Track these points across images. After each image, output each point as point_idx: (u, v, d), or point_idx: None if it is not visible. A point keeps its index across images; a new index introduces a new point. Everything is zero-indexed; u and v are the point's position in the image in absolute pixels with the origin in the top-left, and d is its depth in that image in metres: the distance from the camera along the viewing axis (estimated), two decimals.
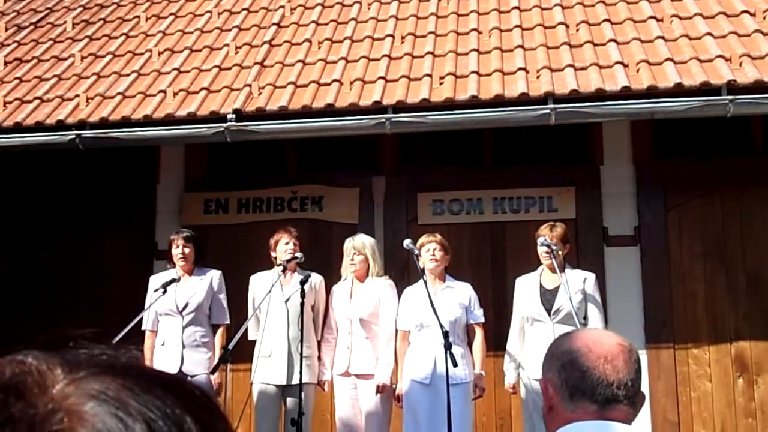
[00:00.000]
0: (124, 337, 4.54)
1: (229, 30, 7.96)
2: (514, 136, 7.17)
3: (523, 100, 6.15)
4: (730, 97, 5.86)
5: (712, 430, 6.74)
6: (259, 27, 7.93)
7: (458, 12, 7.53)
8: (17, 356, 0.63)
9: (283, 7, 8.18)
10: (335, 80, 6.69)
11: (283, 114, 6.49)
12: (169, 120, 6.62)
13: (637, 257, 6.99)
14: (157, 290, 5.76)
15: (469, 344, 5.82)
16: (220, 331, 6.12)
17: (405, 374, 5.77)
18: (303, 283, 5.69)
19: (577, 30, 6.94)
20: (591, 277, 5.86)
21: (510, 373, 5.90)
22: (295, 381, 5.70)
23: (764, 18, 6.70)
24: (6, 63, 7.90)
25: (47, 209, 7.89)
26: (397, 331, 5.87)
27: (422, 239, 5.93)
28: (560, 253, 5.76)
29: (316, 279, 6.10)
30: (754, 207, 6.93)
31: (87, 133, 6.67)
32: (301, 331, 5.73)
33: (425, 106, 6.29)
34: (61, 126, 6.73)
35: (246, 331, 5.61)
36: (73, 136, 6.64)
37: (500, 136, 7.30)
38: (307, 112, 6.46)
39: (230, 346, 5.15)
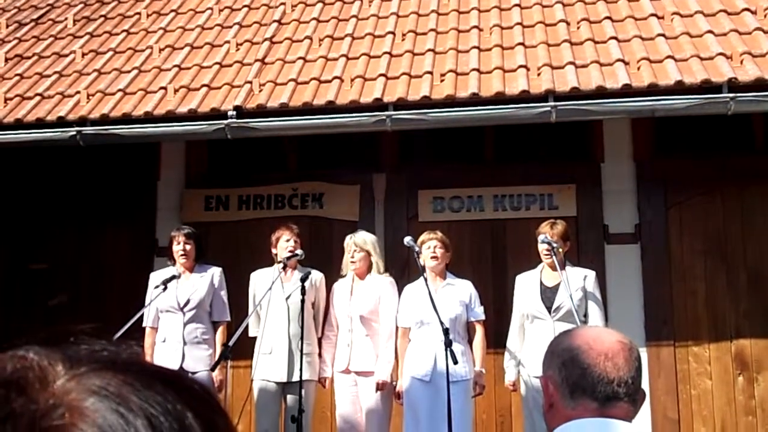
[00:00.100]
0: (125, 333, 4.55)
1: (230, 27, 7.95)
2: (515, 133, 7.17)
3: (524, 97, 6.14)
4: (730, 94, 5.86)
5: (712, 428, 6.74)
6: (260, 24, 7.93)
7: (459, 9, 7.53)
8: (18, 352, 0.63)
9: (284, 4, 8.17)
10: (336, 77, 6.69)
11: (284, 111, 6.49)
12: (170, 117, 6.62)
13: (638, 255, 6.99)
14: (157, 287, 5.75)
15: (470, 342, 5.83)
16: (220, 328, 6.12)
17: (405, 371, 5.78)
18: (303, 280, 5.69)
19: (578, 27, 6.94)
20: (591, 274, 5.86)
21: (510, 370, 5.90)
22: (296, 378, 5.70)
23: (765, 16, 6.69)
24: (7, 59, 7.90)
25: (48, 206, 7.89)
26: (397, 328, 5.87)
27: (423, 236, 5.93)
28: (561, 250, 5.76)
29: (317, 276, 6.10)
30: (754, 205, 6.93)
31: (88, 129, 6.67)
32: (302, 328, 5.73)
33: (426, 103, 6.28)
34: (61, 122, 6.73)
35: (246, 328, 5.61)
36: (74, 133, 6.64)
37: (501, 134, 7.30)
38: (307, 109, 6.46)
39: (230, 343, 5.16)
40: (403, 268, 6.80)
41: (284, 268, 5.97)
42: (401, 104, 6.31)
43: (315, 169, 7.57)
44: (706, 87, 5.94)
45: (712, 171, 6.96)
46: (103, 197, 7.81)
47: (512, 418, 6.89)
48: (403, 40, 7.20)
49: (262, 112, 6.51)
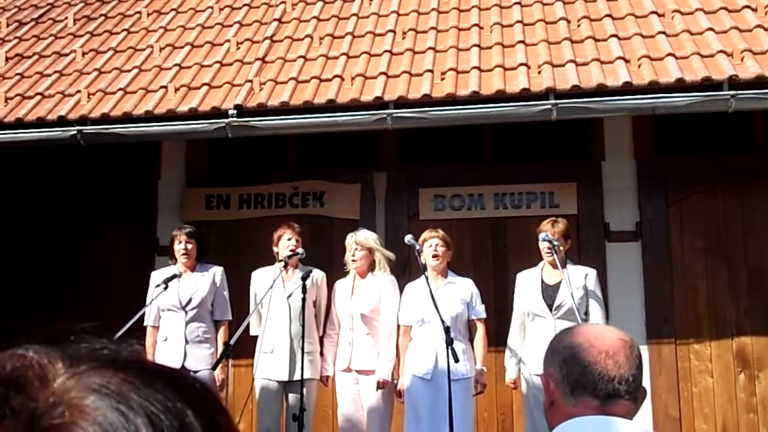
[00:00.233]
0: (126, 332, 4.55)
1: (231, 26, 7.95)
2: (516, 131, 7.17)
3: (525, 95, 6.14)
4: (731, 92, 5.85)
5: (713, 426, 6.74)
6: (261, 23, 7.93)
7: (459, 7, 7.53)
8: (18, 350, 0.63)
9: (284, 2, 8.17)
10: (336, 76, 6.69)
11: (285, 109, 6.49)
12: (171, 116, 6.63)
13: (639, 253, 6.99)
14: (158, 286, 5.76)
15: (471, 340, 5.83)
16: (222, 327, 6.12)
17: (406, 370, 5.78)
18: (304, 279, 5.69)
19: (579, 25, 6.93)
20: (592, 273, 5.86)
21: (511, 368, 5.90)
22: (297, 377, 5.70)
23: (765, 13, 6.69)
24: (7, 59, 7.90)
25: (48, 205, 7.89)
26: (398, 326, 5.87)
27: (425, 234, 5.93)
28: (561, 248, 5.76)
29: (318, 275, 6.10)
30: (755, 202, 6.93)
31: (88, 128, 6.67)
32: (303, 327, 5.73)
33: (426, 101, 6.28)
34: (62, 122, 6.73)
35: (248, 326, 5.61)
36: (75, 132, 6.64)
37: (501, 132, 7.30)
38: (308, 108, 6.46)
39: (232, 342, 5.16)
40: (403, 267, 6.79)
41: (285, 266, 5.97)
42: (402, 102, 6.31)
43: (316, 168, 7.57)
44: (707, 84, 5.94)
45: (712, 169, 6.95)
46: (103, 196, 7.81)
47: (513, 417, 6.89)
48: (403, 38, 7.20)
49: (262, 110, 6.51)
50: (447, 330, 5.13)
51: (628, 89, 6.04)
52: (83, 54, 7.80)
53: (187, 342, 5.99)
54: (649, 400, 5.92)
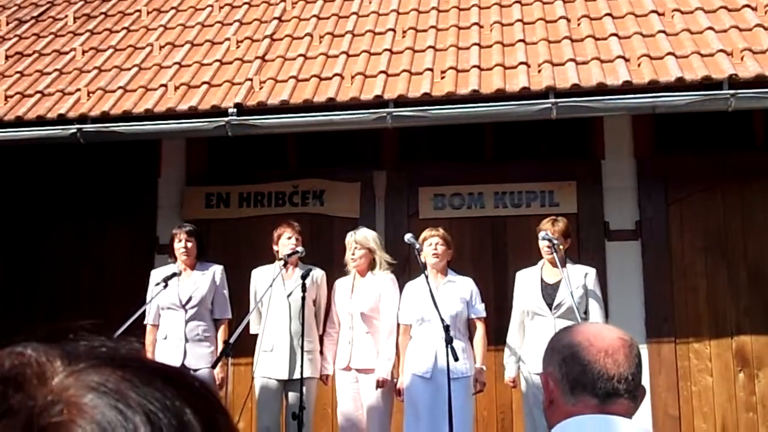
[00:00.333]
0: (126, 331, 4.55)
1: (231, 24, 7.95)
2: (515, 130, 7.16)
3: (525, 94, 6.14)
4: (731, 91, 5.85)
5: (712, 425, 6.74)
6: (261, 21, 7.93)
7: (459, 6, 7.52)
8: (17, 348, 0.62)
9: (284, 1, 8.17)
10: (336, 74, 6.69)
11: (285, 108, 6.49)
12: (171, 114, 6.62)
13: (639, 252, 6.99)
14: (158, 284, 5.76)
15: (471, 339, 5.83)
16: (222, 325, 6.12)
17: (406, 368, 5.78)
18: (304, 277, 5.69)
19: (579, 24, 6.93)
20: (592, 272, 5.86)
21: (510, 366, 5.90)
22: (297, 375, 5.71)
23: (765, 12, 6.69)
24: (7, 57, 7.90)
25: (48, 203, 7.89)
26: (398, 325, 5.87)
27: (425, 233, 5.93)
28: (561, 247, 5.76)
29: (318, 273, 6.10)
30: (755, 201, 6.92)
31: (88, 127, 6.67)
32: (303, 326, 5.73)
33: (426, 100, 6.28)
34: (62, 120, 6.73)
35: (247, 325, 5.61)
36: (75, 130, 6.64)
37: (501, 131, 7.30)
38: (308, 107, 6.46)
39: (231, 340, 5.16)
40: (403, 265, 6.78)
41: (285, 265, 5.97)
42: (402, 101, 6.31)
43: (315, 167, 7.56)
44: (707, 84, 5.94)
45: (712, 168, 6.95)
46: (103, 195, 7.80)
47: (513, 415, 6.89)
48: (403, 37, 7.20)
49: (262, 109, 6.51)
50: (447, 329, 5.14)
51: (628, 88, 6.04)
52: (83, 52, 7.80)
53: (186, 340, 5.99)
54: (648, 399, 5.91)
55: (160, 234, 7.56)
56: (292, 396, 5.83)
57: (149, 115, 6.64)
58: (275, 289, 5.91)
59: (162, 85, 6.93)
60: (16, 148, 7.08)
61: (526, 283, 5.89)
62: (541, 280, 5.83)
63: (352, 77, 6.61)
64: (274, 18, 7.88)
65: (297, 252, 5.99)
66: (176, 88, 6.87)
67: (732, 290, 6.85)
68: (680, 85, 5.96)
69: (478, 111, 6.22)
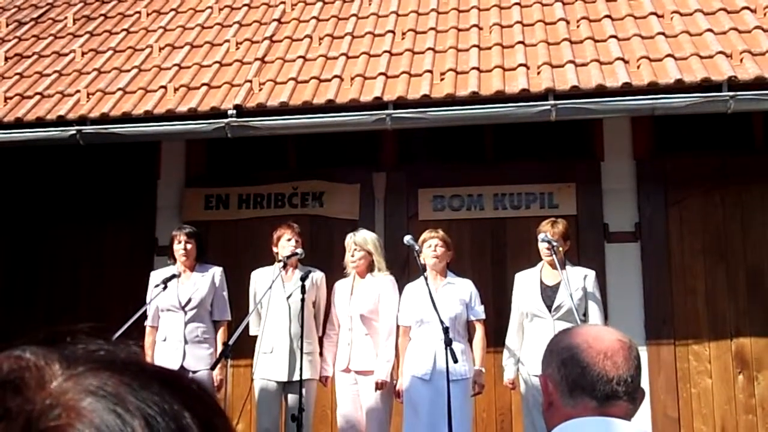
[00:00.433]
0: (125, 333, 4.55)
1: (230, 26, 7.95)
2: (515, 132, 7.16)
3: (524, 96, 6.14)
4: (730, 93, 5.86)
5: (712, 427, 6.74)
6: (260, 23, 7.93)
7: (459, 8, 7.53)
8: (15, 352, 0.63)
9: (284, 2, 8.17)
10: (336, 76, 6.69)
11: (284, 110, 6.49)
12: (170, 116, 6.62)
13: (638, 253, 6.99)
14: (157, 286, 5.76)
15: (470, 340, 5.82)
16: (221, 327, 6.12)
17: (405, 370, 5.78)
18: (303, 279, 5.69)
19: (578, 26, 6.94)
20: (591, 274, 5.86)
21: (509, 368, 5.90)
22: (297, 377, 5.70)
23: (765, 14, 6.69)
24: (7, 58, 7.90)
25: (48, 205, 7.89)
26: (398, 327, 5.87)
27: (425, 235, 5.93)
28: (561, 249, 5.76)
29: (317, 275, 6.09)
30: (754, 203, 6.93)
31: (88, 128, 6.67)
32: (302, 327, 5.73)
33: (426, 102, 6.28)
34: (61, 121, 6.73)
35: (247, 327, 5.60)
36: (74, 132, 6.64)
37: (501, 132, 7.30)
38: (307, 108, 6.46)
39: (230, 342, 5.16)
40: (402, 267, 6.79)
41: (284, 267, 5.96)
42: (401, 103, 6.31)
43: (315, 168, 7.57)
44: (706, 85, 5.95)
45: (711, 170, 6.95)
46: (103, 196, 7.80)
47: (512, 417, 6.89)
48: (403, 38, 7.20)
49: (262, 111, 6.51)
50: (446, 330, 5.13)
51: (627, 90, 6.04)
52: (83, 54, 7.80)
53: (186, 342, 5.99)
54: (647, 401, 5.92)
55: (159, 235, 7.56)
56: (291, 398, 5.83)
57: (149, 117, 6.64)
58: (275, 290, 5.91)
59: (161, 87, 6.94)
60: (15, 150, 7.07)
61: (526, 284, 5.88)
62: (541, 281, 5.82)
63: (352, 79, 6.61)
64: (274, 20, 7.88)
65: (296, 254, 5.98)
66: (176, 89, 6.87)
67: (731, 292, 6.85)
68: (679, 87, 5.96)
69: (478, 113, 6.22)
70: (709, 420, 6.75)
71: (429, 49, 6.91)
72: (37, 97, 7.11)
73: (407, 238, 5.73)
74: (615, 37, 6.62)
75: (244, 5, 8.32)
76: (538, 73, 6.33)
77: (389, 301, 5.88)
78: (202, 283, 6.12)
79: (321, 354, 6.08)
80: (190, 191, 7.67)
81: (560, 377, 1.83)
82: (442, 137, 7.40)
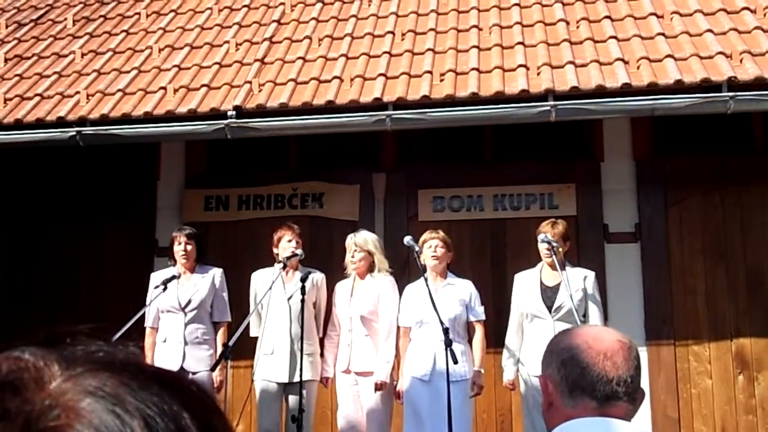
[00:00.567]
0: (125, 334, 4.54)
1: (230, 27, 7.95)
2: (515, 132, 7.17)
3: (524, 96, 6.14)
4: (730, 93, 5.86)
5: (712, 427, 6.74)
6: (260, 24, 7.93)
7: (458, 9, 7.53)
8: (14, 352, 0.63)
9: (283, 4, 8.17)
10: (336, 77, 6.69)
11: (284, 111, 6.49)
12: (170, 117, 6.63)
13: (638, 254, 6.99)
14: (157, 287, 5.75)
15: (470, 341, 5.82)
16: (221, 328, 6.12)
17: (405, 371, 5.77)
18: (303, 280, 5.69)
19: (578, 27, 6.94)
20: (591, 275, 5.86)
21: (508, 369, 5.90)
22: (297, 378, 5.70)
23: (765, 15, 6.69)
24: (6, 60, 7.90)
25: (48, 206, 7.89)
26: (398, 327, 5.87)
27: (425, 235, 5.93)
28: (561, 250, 5.76)
29: (318, 276, 6.09)
30: (754, 204, 6.93)
31: (87, 129, 6.67)
32: (302, 329, 5.73)
33: (425, 102, 6.28)
34: (61, 123, 6.73)
35: (247, 328, 5.60)
36: (74, 133, 6.64)
37: (501, 133, 7.30)
38: (307, 109, 6.46)
39: (230, 343, 5.16)
40: (402, 268, 6.79)
41: (284, 268, 5.96)
42: (401, 104, 6.31)
43: (315, 169, 7.56)
44: (706, 86, 5.95)
45: (711, 170, 6.95)
46: (102, 197, 7.80)
47: (512, 418, 6.89)
48: (402, 39, 7.21)
49: (261, 112, 6.51)
50: (446, 331, 5.13)
51: (627, 90, 6.04)
52: (82, 55, 7.80)
53: (186, 343, 5.99)
54: (647, 402, 5.92)
55: (159, 236, 7.56)
56: (292, 399, 5.83)
57: (148, 118, 6.64)
58: (275, 291, 5.91)
59: (161, 88, 6.94)
60: (15, 151, 7.08)
61: (525, 285, 5.88)
62: (541, 282, 5.82)
63: (351, 80, 6.61)
64: (273, 21, 7.88)
65: (296, 255, 5.98)
66: (175, 90, 6.87)
67: (731, 293, 6.85)
68: (679, 87, 5.97)
69: (478, 114, 6.22)
70: (709, 420, 6.75)
71: (429, 50, 6.92)
72: (37, 98, 7.11)
73: (407, 239, 5.73)
74: (615, 37, 6.62)
75: (244, 6, 8.32)
76: (538, 73, 6.33)
77: (389, 302, 5.88)
78: (202, 284, 6.12)
79: (322, 355, 6.08)
80: (190, 192, 7.67)
81: (560, 378, 1.83)
82: (441, 138, 7.40)
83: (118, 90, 7.02)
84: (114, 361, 0.63)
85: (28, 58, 7.90)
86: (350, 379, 5.91)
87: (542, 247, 5.76)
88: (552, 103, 6.05)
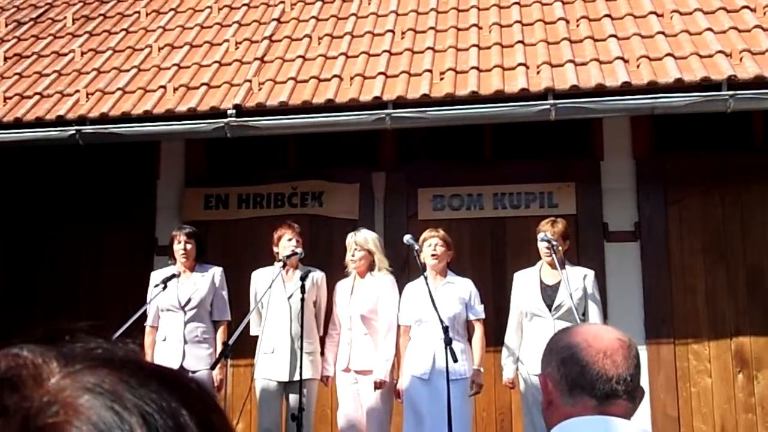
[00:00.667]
0: (125, 332, 4.54)
1: (229, 25, 7.95)
2: (515, 131, 7.16)
3: (524, 95, 6.15)
4: (730, 92, 5.86)
5: (711, 426, 6.74)
6: (259, 22, 7.93)
7: (458, 7, 7.53)
8: (13, 349, 0.62)
9: (283, 2, 8.17)
10: (335, 76, 6.69)
11: (284, 109, 6.49)
12: (169, 115, 6.63)
13: (638, 253, 6.99)
14: (157, 286, 5.76)
15: (470, 340, 5.82)
16: (221, 327, 6.12)
17: (405, 370, 5.78)
18: (303, 279, 5.69)
19: (578, 25, 6.94)
20: (591, 274, 5.86)
21: (508, 368, 5.90)
22: (297, 377, 5.70)
23: (764, 13, 6.69)
24: (6, 59, 7.90)
25: (47, 205, 7.89)
26: (398, 326, 5.87)
27: (425, 234, 5.93)
28: (560, 249, 5.76)
29: (318, 275, 6.09)
30: (754, 202, 6.92)
31: (87, 128, 6.67)
32: (302, 327, 5.73)
33: (425, 101, 6.28)
34: (61, 121, 6.73)
35: (247, 327, 5.60)
36: (73, 132, 6.64)
37: (500, 132, 7.30)
38: (307, 108, 6.46)
39: (230, 342, 5.16)
40: (402, 267, 6.79)
41: (284, 266, 5.96)
42: (401, 102, 6.31)
43: (314, 168, 7.56)
44: (706, 85, 5.95)
45: (711, 169, 6.95)
46: (102, 196, 7.80)
47: (512, 417, 6.89)
48: (402, 38, 7.20)
49: (261, 110, 6.51)
50: (446, 330, 5.13)
51: (627, 89, 6.04)
52: (82, 54, 7.80)
53: (185, 342, 5.99)
54: (647, 400, 5.91)
55: (159, 235, 7.56)
56: (292, 398, 5.83)
57: (148, 117, 6.64)
58: (275, 290, 5.91)
59: (161, 87, 6.94)
60: (15, 150, 7.07)
61: (525, 284, 5.88)
62: (540, 281, 5.82)
63: (351, 78, 6.61)
64: (273, 19, 7.88)
65: (296, 253, 5.98)
66: (175, 89, 6.87)
67: (731, 291, 6.85)
68: (679, 86, 5.97)
69: (477, 112, 6.22)
70: (709, 419, 6.75)
71: (428, 48, 6.92)
72: (37, 97, 7.11)
73: (407, 238, 5.73)
74: (615, 36, 6.62)
75: (244, 5, 8.32)
76: (538, 72, 6.33)
77: (388, 301, 5.88)
78: (202, 283, 6.12)
79: (322, 354, 6.08)
80: (190, 191, 7.67)
81: (560, 376, 1.83)
82: (441, 137, 7.40)
83: (118, 89, 7.02)
84: (113, 358, 0.63)
85: (28, 57, 7.90)
86: (350, 378, 5.91)
87: (542, 246, 5.76)
88: (552, 101, 6.05)
